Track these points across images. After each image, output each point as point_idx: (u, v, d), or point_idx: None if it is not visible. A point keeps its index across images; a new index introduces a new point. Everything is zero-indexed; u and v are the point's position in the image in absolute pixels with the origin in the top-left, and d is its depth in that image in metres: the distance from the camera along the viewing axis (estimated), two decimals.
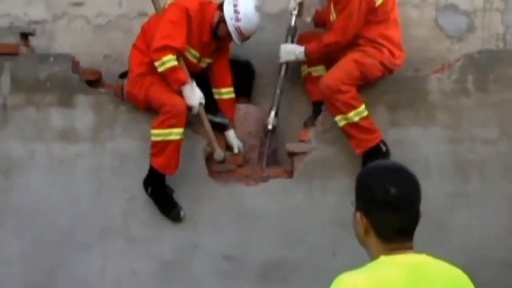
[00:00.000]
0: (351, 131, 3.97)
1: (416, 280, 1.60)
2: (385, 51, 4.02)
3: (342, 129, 4.00)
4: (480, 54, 4.14)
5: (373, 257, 1.66)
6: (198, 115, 4.06)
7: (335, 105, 3.95)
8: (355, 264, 1.70)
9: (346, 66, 3.97)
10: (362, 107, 3.96)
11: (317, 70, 4.26)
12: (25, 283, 4.11)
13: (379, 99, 4.10)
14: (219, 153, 4.08)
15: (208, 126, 4.08)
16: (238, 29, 4.04)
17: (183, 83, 3.99)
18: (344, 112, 3.94)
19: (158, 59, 3.95)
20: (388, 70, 4.06)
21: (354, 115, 3.94)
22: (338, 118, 3.97)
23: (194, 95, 3.99)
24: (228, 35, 4.06)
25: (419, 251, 1.65)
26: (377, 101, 4.09)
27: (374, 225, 1.65)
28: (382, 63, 4.02)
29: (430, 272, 1.62)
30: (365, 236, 1.67)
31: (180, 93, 4.01)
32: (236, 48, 4.29)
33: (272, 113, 4.24)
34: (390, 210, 1.63)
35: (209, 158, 4.17)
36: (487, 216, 4.04)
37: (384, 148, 3.99)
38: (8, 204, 4.14)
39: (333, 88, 3.92)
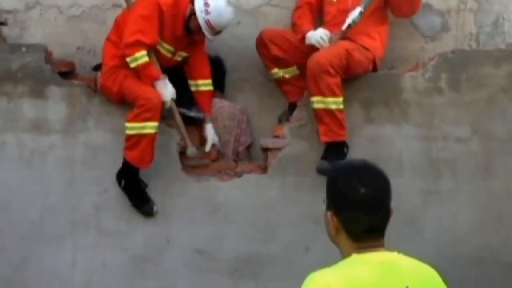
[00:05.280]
0: (324, 117, 3.95)
1: (388, 278, 1.61)
2: (379, 48, 4.08)
3: (315, 111, 3.97)
4: (453, 54, 4.18)
5: (345, 255, 1.66)
6: (170, 111, 4.03)
7: (319, 84, 3.91)
8: (328, 259, 1.71)
9: (337, 51, 3.96)
10: (341, 99, 3.96)
11: (289, 72, 4.25)
12: None
13: (353, 96, 4.12)
14: (191, 150, 4.06)
15: (180, 122, 4.05)
16: (208, 23, 3.99)
17: (156, 79, 3.96)
18: (324, 95, 3.91)
19: (130, 55, 3.93)
20: (373, 69, 4.11)
21: (332, 103, 3.93)
22: (315, 99, 3.94)
23: (166, 91, 3.96)
24: (199, 29, 4.03)
25: (390, 248, 1.66)
26: (352, 98, 4.11)
27: (344, 224, 1.65)
28: (371, 62, 4.05)
29: (401, 269, 1.64)
30: (336, 235, 1.68)
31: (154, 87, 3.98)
32: (210, 43, 4.27)
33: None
34: (360, 211, 1.63)
35: (183, 152, 4.15)
36: (458, 214, 4.09)
37: (345, 150, 4.00)
38: None
39: (323, 67, 3.88)
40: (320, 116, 3.96)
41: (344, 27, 4.04)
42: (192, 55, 4.22)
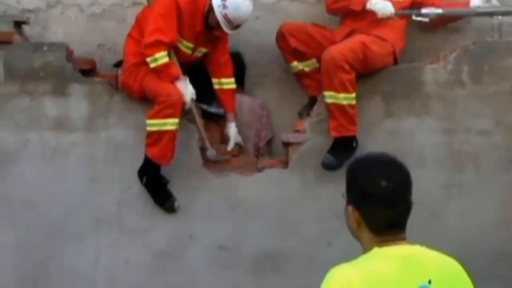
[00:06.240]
0: (335, 112, 3.94)
1: (410, 271, 1.59)
2: (398, 39, 4.07)
3: (327, 106, 3.97)
4: (475, 45, 4.14)
5: (366, 249, 1.65)
6: (190, 112, 4.03)
7: (332, 80, 3.90)
8: (350, 254, 1.70)
9: (353, 45, 3.95)
10: (354, 95, 3.95)
11: (309, 65, 4.24)
12: (18, 274, 4.09)
13: (374, 89, 4.10)
14: (211, 152, 4.05)
15: (200, 123, 4.05)
16: (225, 17, 3.97)
17: (176, 78, 3.97)
18: (336, 90, 3.90)
19: (150, 55, 3.93)
20: (394, 62, 4.09)
21: (344, 99, 3.92)
22: (327, 93, 3.94)
23: (187, 91, 3.96)
24: (218, 24, 4.02)
25: (412, 242, 1.64)
26: (373, 92, 4.09)
27: (366, 218, 1.64)
28: (391, 55, 4.03)
29: (423, 262, 1.62)
30: (357, 229, 1.66)
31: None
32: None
33: None
34: (381, 204, 1.62)
35: (204, 148, 4.15)
36: (481, 207, 4.05)
37: (354, 144, 3.98)
38: (1, 194, 4.11)
39: (337, 63, 3.87)
40: (332, 111, 3.96)
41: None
42: (215, 52, 4.20)
